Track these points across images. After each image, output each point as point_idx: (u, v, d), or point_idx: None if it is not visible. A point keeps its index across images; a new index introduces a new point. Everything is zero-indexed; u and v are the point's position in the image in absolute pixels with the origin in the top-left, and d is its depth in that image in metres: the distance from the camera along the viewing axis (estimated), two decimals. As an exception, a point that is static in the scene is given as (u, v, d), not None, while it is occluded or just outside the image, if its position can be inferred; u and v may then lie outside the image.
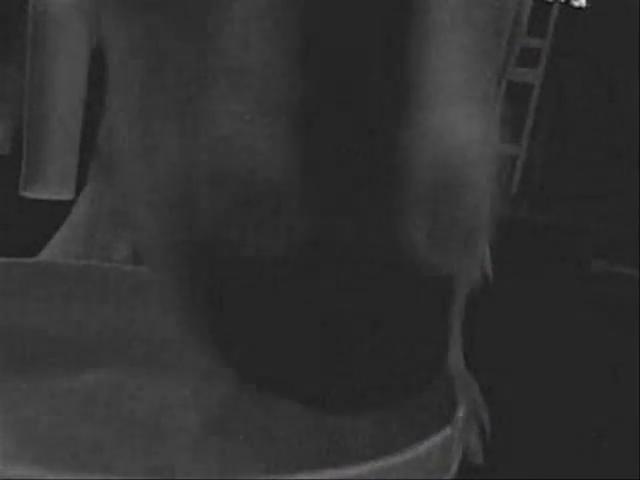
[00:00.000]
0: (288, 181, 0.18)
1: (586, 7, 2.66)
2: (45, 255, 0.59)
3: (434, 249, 0.18)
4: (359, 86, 0.18)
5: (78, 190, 1.10)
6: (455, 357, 0.57)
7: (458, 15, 0.20)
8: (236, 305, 0.19)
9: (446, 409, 0.28)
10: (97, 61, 1.07)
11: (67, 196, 1.09)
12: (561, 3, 2.50)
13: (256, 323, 0.19)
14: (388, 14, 0.18)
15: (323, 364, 0.18)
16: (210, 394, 0.40)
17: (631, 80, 2.45)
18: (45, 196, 1.07)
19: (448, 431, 0.26)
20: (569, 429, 0.63)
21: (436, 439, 0.25)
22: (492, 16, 0.21)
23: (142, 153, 0.21)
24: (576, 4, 2.76)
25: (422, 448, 0.24)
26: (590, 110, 2.51)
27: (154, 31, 0.21)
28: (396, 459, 0.23)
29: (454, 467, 0.27)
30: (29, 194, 1.08)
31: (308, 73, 0.18)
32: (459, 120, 0.19)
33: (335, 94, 0.18)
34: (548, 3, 2.55)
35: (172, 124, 0.20)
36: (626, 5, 2.38)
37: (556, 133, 2.56)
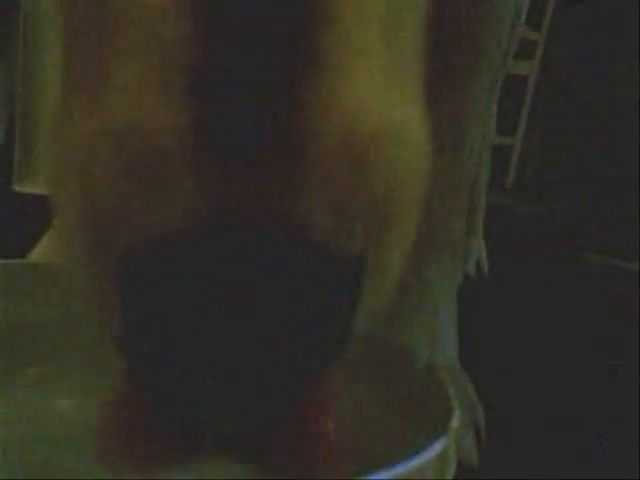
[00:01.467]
0: (182, 153, 0.17)
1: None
2: (37, 253, 0.58)
3: (334, 226, 0.17)
4: (259, 49, 0.16)
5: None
6: (450, 354, 0.57)
7: None
8: (140, 288, 0.18)
9: (441, 418, 0.28)
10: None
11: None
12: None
13: (159, 310, 0.18)
14: None
15: (229, 344, 0.18)
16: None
17: (628, 71, 2.44)
18: (36, 190, 1.07)
19: (443, 442, 0.25)
20: (564, 425, 0.63)
21: (431, 452, 0.24)
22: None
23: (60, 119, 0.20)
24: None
25: (417, 462, 0.24)
26: (586, 101, 2.51)
27: None
28: (392, 473, 0.23)
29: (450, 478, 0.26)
30: (20, 188, 1.07)
31: (205, 33, 0.16)
32: (377, 92, 0.18)
33: (232, 57, 0.16)
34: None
35: (82, 86, 0.19)
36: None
37: (552, 124, 2.55)
